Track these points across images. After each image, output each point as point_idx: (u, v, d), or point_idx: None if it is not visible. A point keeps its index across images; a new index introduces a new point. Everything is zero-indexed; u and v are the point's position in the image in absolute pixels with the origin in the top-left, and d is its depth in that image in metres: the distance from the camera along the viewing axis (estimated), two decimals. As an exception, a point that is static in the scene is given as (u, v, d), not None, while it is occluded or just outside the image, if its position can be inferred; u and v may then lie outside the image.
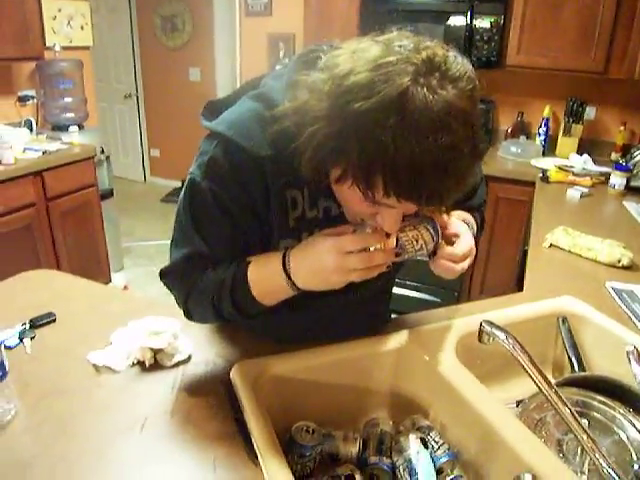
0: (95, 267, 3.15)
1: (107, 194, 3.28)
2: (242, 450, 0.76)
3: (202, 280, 0.83)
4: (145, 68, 5.39)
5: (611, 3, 2.55)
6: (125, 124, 5.68)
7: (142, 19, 5.19)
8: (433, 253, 0.80)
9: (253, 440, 0.74)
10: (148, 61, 5.34)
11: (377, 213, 0.70)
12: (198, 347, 0.99)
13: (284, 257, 0.77)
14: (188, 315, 0.90)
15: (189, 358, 0.96)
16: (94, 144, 3.07)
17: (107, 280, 3.25)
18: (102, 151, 3.18)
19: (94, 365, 0.92)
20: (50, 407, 0.84)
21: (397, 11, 2.97)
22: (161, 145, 5.64)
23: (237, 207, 0.79)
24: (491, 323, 0.73)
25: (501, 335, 0.71)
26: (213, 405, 0.85)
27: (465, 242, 0.83)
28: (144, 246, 4.04)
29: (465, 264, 0.82)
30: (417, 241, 0.75)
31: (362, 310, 0.99)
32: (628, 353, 0.75)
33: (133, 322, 0.99)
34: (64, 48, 3.21)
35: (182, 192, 0.83)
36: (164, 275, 0.88)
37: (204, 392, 0.88)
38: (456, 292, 2.94)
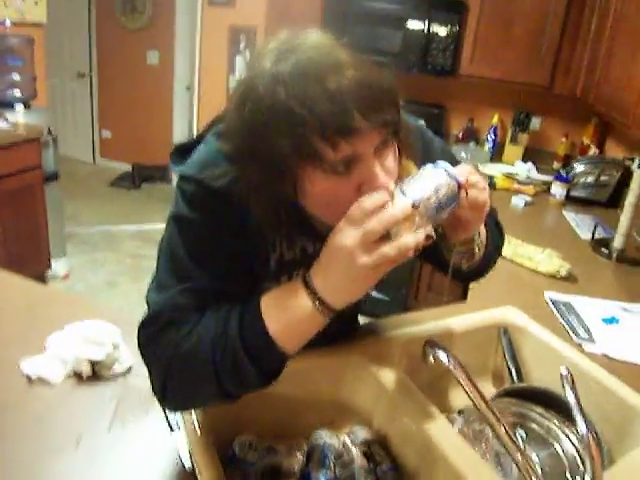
0: (34, 254, 3.02)
1: (52, 177, 3.15)
2: (182, 467, 0.74)
3: (201, 322, 0.68)
4: (101, 47, 5.26)
5: (557, 22, 2.69)
6: (76, 102, 5.52)
7: (101, -3, 5.04)
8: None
9: (192, 459, 0.73)
10: (105, 40, 5.21)
11: (360, 185, 0.64)
12: (140, 357, 0.95)
13: (304, 277, 0.66)
14: (165, 392, 0.69)
15: (129, 369, 0.93)
16: (41, 124, 2.95)
17: (47, 267, 3.12)
18: (49, 132, 3.07)
19: (27, 377, 0.88)
20: (-23, 420, 0.80)
21: (358, 14, 3.01)
22: (113, 126, 5.50)
23: (231, 237, 0.72)
24: (433, 343, 0.74)
25: (443, 356, 0.72)
26: (153, 419, 0.83)
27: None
28: (89, 232, 3.87)
29: (486, 195, 0.74)
30: (425, 183, 0.64)
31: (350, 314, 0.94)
32: (562, 376, 0.78)
33: (70, 326, 0.94)
34: (15, 24, 3.08)
35: (166, 234, 0.74)
36: (149, 324, 0.70)
37: (144, 405, 0.86)
38: (404, 290, 3.00)
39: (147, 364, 0.71)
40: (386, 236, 0.60)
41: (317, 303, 0.64)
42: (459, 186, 0.67)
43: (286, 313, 0.65)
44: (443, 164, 0.67)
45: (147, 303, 0.72)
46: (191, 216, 0.71)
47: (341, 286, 0.63)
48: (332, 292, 0.64)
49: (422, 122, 3.50)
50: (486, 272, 1.00)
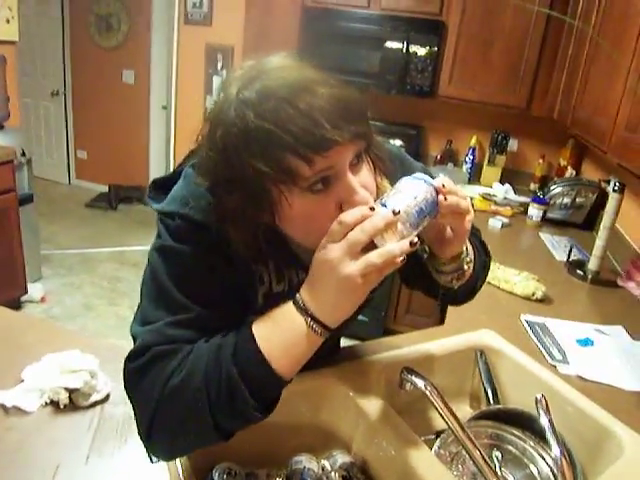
0: (10, 277, 2.96)
1: (26, 199, 3.10)
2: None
3: (191, 354, 0.65)
4: (75, 65, 5.21)
5: (535, 46, 2.75)
6: (50, 122, 5.44)
7: (75, 15, 5.03)
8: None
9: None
10: (79, 58, 5.17)
11: (339, 203, 0.65)
12: (117, 385, 0.94)
13: (293, 298, 0.66)
14: (151, 431, 0.64)
15: (107, 397, 0.92)
16: (14, 146, 2.90)
17: (23, 291, 3.06)
18: (23, 153, 3.02)
19: (2, 406, 0.87)
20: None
21: (336, 35, 3.04)
22: (89, 147, 5.44)
23: (219, 269, 0.71)
24: (410, 370, 0.75)
25: (420, 383, 0.73)
26: (131, 449, 0.82)
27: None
28: (65, 254, 3.81)
29: (468, 202, 0.73)
30: (404, 195, 0.65)
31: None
32: (537, 401, 0.80)
33: (47, 357, 0.93)
34: (-15, 42, 3.04)
35: (150, 266, 0.72)
36: (136, 357, 0.66)
37: (122, 435, 0.85)
38: (383, 311, 3.01)
39: (133, 401, 0.67)
40: (371, 247, 0.60)
41: (310, 321, 0.62)
42: (437, 193, 0.67)
43: (280, 336, 0.64)
44: (420, 175, 0.68)
45: (132, 337, 0.68)
46: (178, 248, 0.69)
47: (331, 300, 0.62)
48: (323, 308, 0.62)
49: (399, 142, 3.46)
50: (475, 292, 0.99)
